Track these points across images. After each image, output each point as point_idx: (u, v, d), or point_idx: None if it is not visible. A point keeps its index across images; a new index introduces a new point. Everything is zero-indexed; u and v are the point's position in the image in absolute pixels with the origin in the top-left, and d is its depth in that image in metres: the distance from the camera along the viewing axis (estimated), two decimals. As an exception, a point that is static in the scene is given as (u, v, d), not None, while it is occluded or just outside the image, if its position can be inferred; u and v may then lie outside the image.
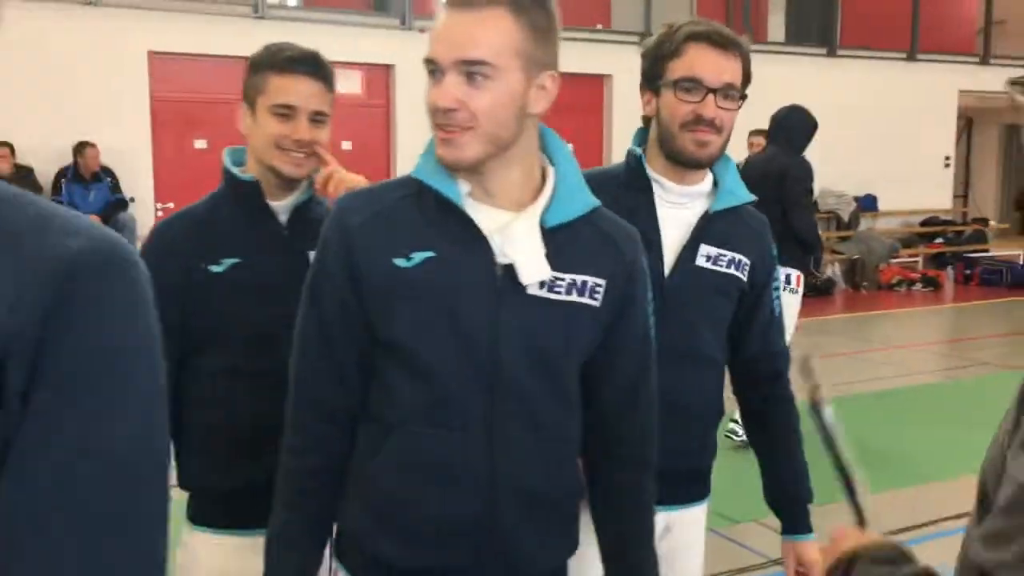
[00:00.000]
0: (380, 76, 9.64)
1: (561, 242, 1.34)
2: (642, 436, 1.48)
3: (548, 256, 1.31)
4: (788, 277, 5.10)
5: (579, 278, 1.35)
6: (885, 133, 12.21)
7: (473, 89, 1.25)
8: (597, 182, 1.69)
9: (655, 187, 1.76)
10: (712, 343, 1.80)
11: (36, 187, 8.27)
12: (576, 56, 10.50)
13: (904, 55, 12.73)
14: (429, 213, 1.32)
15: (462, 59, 1.24)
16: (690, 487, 1.86)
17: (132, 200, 8.44)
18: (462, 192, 1.31)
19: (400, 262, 1.30)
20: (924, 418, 5.71)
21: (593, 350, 1.40)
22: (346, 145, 9.34)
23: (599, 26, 11.23)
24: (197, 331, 1.67)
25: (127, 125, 8.40)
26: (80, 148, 8.17)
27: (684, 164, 1.74)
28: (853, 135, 11.38)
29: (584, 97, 10.77)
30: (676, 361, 1.71)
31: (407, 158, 9.48)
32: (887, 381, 6.79)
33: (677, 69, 1.71)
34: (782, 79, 10.28)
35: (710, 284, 1.77)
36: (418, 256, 1.30)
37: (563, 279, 1.33)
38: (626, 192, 1.75)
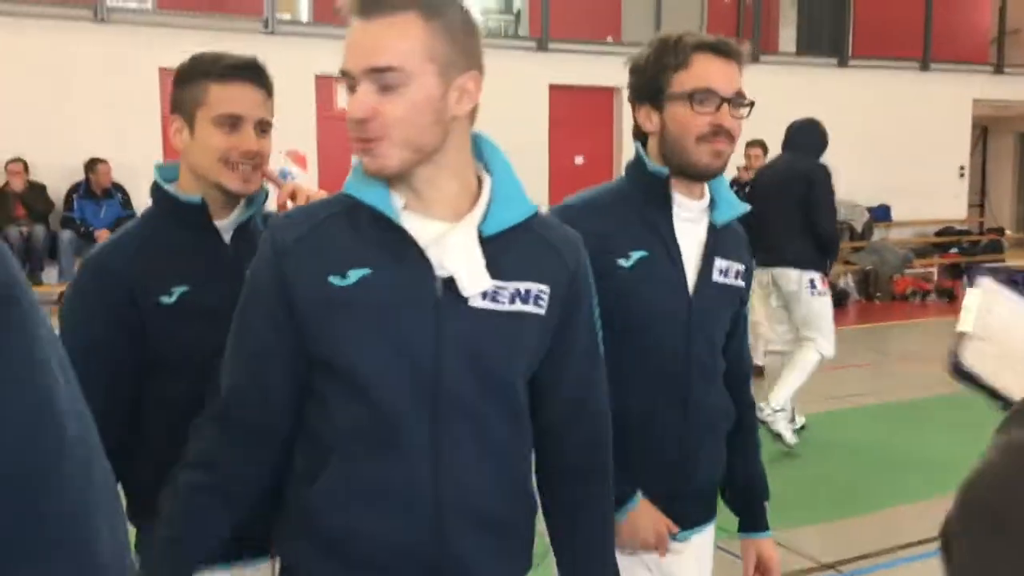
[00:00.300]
0: (390, 90, 9.65)
1: (501, 250, 1.30)
2: (594, 445, 1.44)
3: (488, 265, 1.27)
4: (812, 281, 5.09)
5: (522, 286, 1.31)
6: (898, 143, 12.14)
7: (386, 97, 1.22)
8: (613, 201, 1.75)
9: (672, 203, 1.75)
10: (722, 355, 1.84)
11: (48, 203, 8.32)
12: (586, 69, 10.56)
13: (917, 64, 12.67)
14: (364, 229, 1.28)
15: (371, 67, 1.21)
16: (713, 502, 1.90)
17: (143, 216, 8.47)
18: (397, 205, 1.28)
19: (336, 280, 1.26)
20: (942, 429, 5.64)
21: (540, 360, 1.36)
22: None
23: (609, 39, 11.23)
24: (150, 361, 1.60)
25: (138, 141, 8.43)
26: (92, 164, 8.22)
27: (698, 177, 1.72)
28: (866, 145, 11.32)
29: (594, 110, 10.77)
30: (707, 378, 1.76)
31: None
32: (902, 392, 6.71)
33: (687, 81, 1.67)
34: (793, 89, 10.25)
35: (724, 297, 1.78)
36: (354, 274, 1.25)
37: (506, 288, 1.29)
38: (647, 209, 1.73)
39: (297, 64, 8.19)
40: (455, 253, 1.26)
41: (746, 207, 1.81)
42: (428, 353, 1.26)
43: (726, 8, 12.25)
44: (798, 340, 5.20)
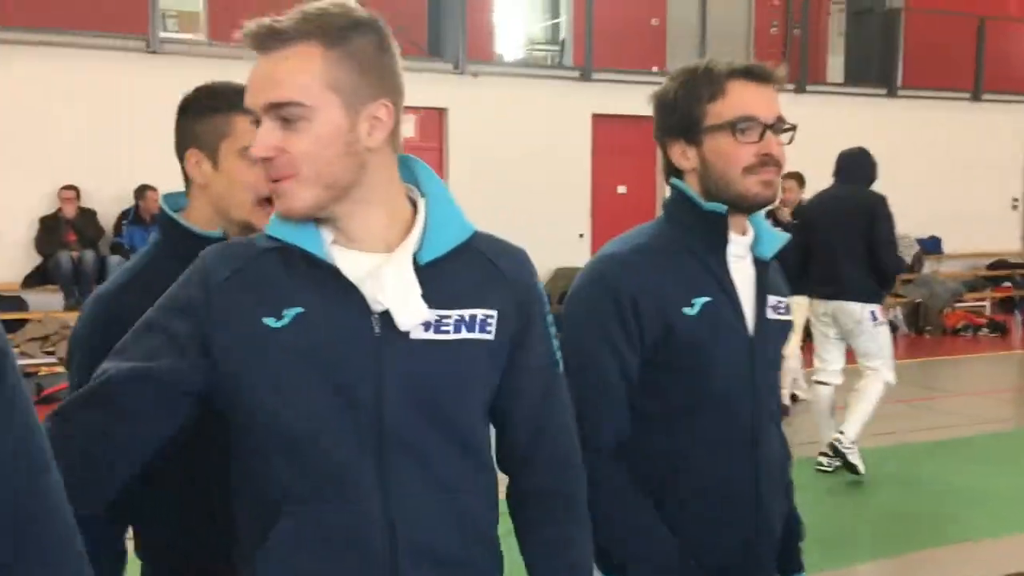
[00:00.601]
0: (434, 119, 9.74)
1: (441, 277, 1.23)
2: (561, 466, 1.36)
3: (427, 295, 1.21)
4: (873, 313, 5.09)
5: (467, 312, 1.24)
6: (949, 174, 11.93)
7: (290, 133, 1.17)
8: (662, 246, 1.63)
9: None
10: None
11: (99, 229, 8.49)
12: (629, 98, 10.52)
13: (968, 95, 12.47)
14: (295, 267, 1.21)
15: (270, 103, 1.17)
16: (792, 552, 1.83)
17: (190, 242, 8.60)
18: (325, 240, 1.22)
19: (270, 322, 1.18)
20: (994, 467, 5.46)
21: (496, 387, 1.29)
22: None
23: (654, 68, 11.22)
24: None
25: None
26: (141, 191, 8.37)
27: (748, 209, 1.64)
28: (916, 176, 11.13)
29: (637, 139, 10.74)
30: (773, 419, 1.68)
31: (459, 200, 9.49)
32: (952, 429, 6.53)
33: (725, 110, 1.57)
34: (841, 120, 10.14)
35: (778, 335, 1.71)
36: (288, 313, 1.18)
37: (449, 316, 1.23)
38: (701, 251, 1.63)
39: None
40: (388, 286, 1.19)
41: (785, 237, 1.73)
42: (370, 394, 1.19)
43: (772, 37, 12.19)
44: (860, 371, 5.19)
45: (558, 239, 10.09)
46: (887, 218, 5.04)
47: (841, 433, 5.06)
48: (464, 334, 1.24)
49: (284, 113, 1.17)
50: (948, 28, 12.45)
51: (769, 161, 1.58)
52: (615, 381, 1.60)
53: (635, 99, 10.67)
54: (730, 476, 1.62)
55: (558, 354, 1.37)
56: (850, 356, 5.29)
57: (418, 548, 1.22)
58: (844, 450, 5.03)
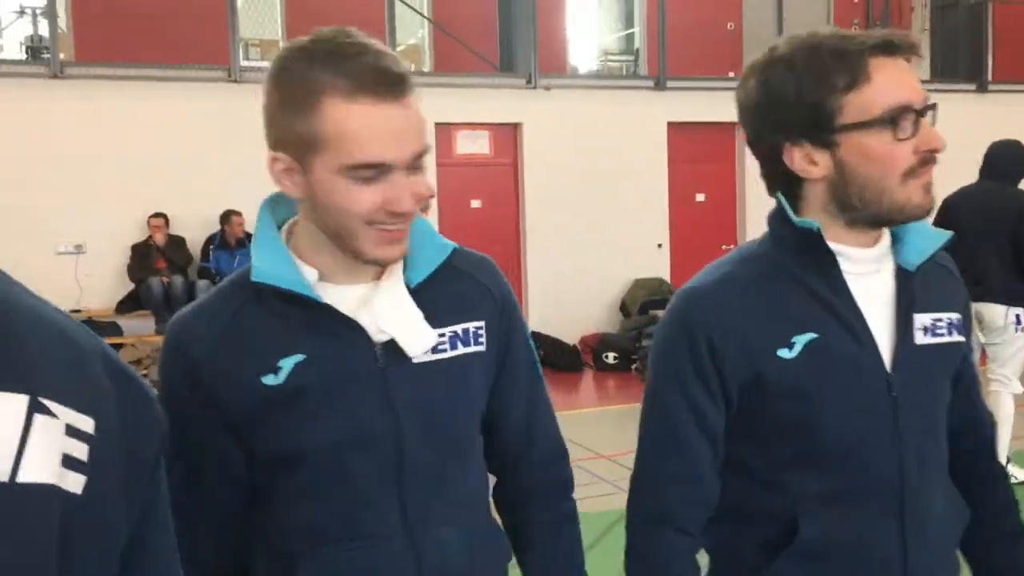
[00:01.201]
0: (508, 134, 9.75)
1: (431, 296, 1.22)
2: (550, 464, 1.38)
3: (423, 315, 1.21)
4: (1019, 317, 4.85)
5: (459, 327, 1.24)
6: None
7: (420, 178, 1.15)
8: (753, 275, 1.30)
9: (839, 260, 1.29)
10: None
11: (188, 256, 8.74)
12: (705, 105, 10.39)
13: (1064, 86, 11.93)
14: (280, 314, 1.17)
15: (418, 152, 1.13)
16: None
17: (274, 264, 8.79)
18: (311, 279, 1.18)
19: (269, 379, 1.15)
20: None
21: (488, 398, 1.31)
22: (476, 203, 9.46)
23: (731, 74, 11.04)
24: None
25: (266, 193, 8.76)
26: (226, 217, 8.59)
27: (900, 223, 1.29)
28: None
29: (715, 146, 10.57)
30: (929, 478, 1.31)
31: (535, 213, 9.51)
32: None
33: (874, 100, 1.20)
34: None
35: (938, 362, 1.33)
36: (287, 363, 1.16)
37: (444, 334, 1.23)
38: (806, 275, 1.29)
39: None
40: (388, 314, 1.18)
41: (947, 234, 1.34)
42: (386, 427, 1.18)
43: (852, 37, 11.87)
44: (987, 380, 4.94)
45: (636, 249, 9.97)
46: None
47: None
48: (460, 349, 1.24)
49: (419, 161, 1.15)
50: (1040, 18, 11.94)
51: (930, 159, 1.24)
52: (691, 439, 1.30)
53: (712, 106, 10.47)
54: (862, 544, 1.28)
55: (535, 353, 1.39)
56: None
57: (444, 570, 1.23)
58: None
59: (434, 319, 1.22)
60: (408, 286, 1.22)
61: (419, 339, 1.19)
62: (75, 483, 0.66)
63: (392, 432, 1.19)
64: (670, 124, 10.26)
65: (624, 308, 9.82)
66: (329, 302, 1.17)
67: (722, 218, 10.79)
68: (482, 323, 1.27)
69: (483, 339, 1.27)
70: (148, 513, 0.76)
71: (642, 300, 9.65)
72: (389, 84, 1.09)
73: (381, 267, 1.21)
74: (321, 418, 1.17)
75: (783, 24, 10.74)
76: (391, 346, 1.19)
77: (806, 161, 1.26)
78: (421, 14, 10.59)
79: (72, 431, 0.67)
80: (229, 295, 1.21)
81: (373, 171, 1.10)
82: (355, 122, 1.09)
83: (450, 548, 1.24)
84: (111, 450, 0.70)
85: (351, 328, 1.17)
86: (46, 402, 0.66)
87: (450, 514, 1.24)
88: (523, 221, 9.70)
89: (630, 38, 12.51)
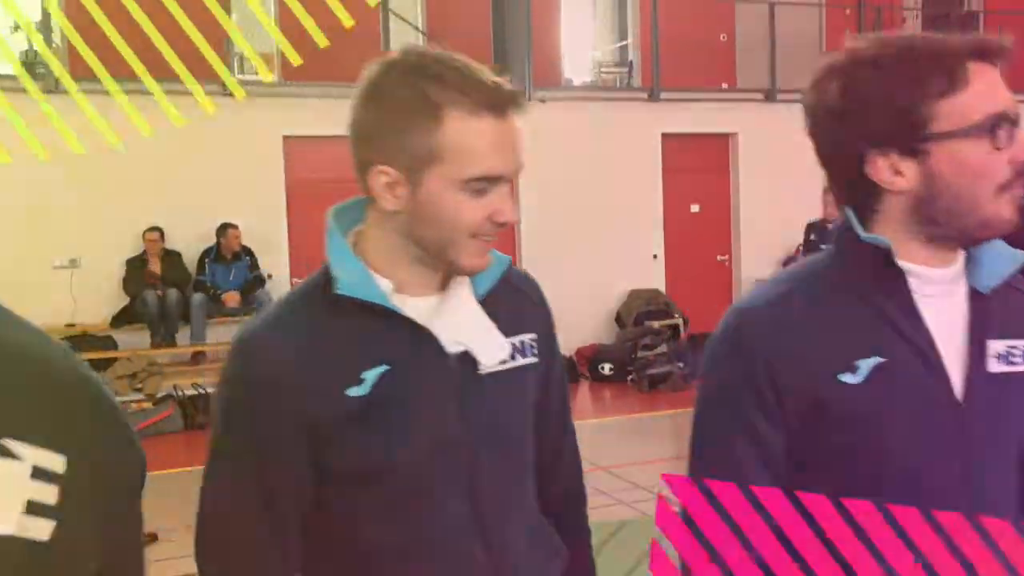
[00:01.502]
0: (504, 147, 9.76)
1: (492, 308, 1.25)
2: (578, 467, 1.46)
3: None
4: None
5: (518, 339, 1.28)
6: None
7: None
8: (815, 294, 1.22)
9: (909, 280, 1.21)
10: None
11: (184, 272, 8.72)
12: (699, 116, 10.43)
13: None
14: (359, 326, 1.17)
15: (521, 166, 1.19)
16: None
17: (270, 277, 8.78)
18: (386, 290, 1.19)
19: (354, 391, 1.15)
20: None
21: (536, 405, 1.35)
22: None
23: (724, 85, 11.08)
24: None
25: (264, 206, 8.78)
26: (223, 229, 8.59)
27: (988, 237, 1.21)
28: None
29: (709, 157, 10.61)
30: (1008, 515, 1.21)
31: (531, 223, 9.53)
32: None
33: (972, 107, 1.13)
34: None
35: (1010, 394, 1.22)
36: (370, 375, 1.16)
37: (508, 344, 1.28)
38: (873, 295, 1.21)
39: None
40: (465, 325, 1.21)
41: (1022, 256, 1.25)
42: (461, 437, 1.20)
43: (844, 48, 11.93)
44: None
45: (632, 260, 10.00)
46: None
47: None
48: (519, 360, 1.28)
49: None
50: (1031, 28, 12.02)
51: (1023, 171, 1.16)
52: (752, 475, 1.18)
53: (705, 117, 10.51)
54: None
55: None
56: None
57: None
58: None
59: (499, 329, 1.26)
60: (476, 298, 1.25)
61: (494, 349, 1.23)
62: (40, 530, 0.64)
63: (466, 443, 1.21)
64: (664, 135, 10.29)
65: (619, 319, 9.83)
66: (407, 314, 1.19)
67: (717, 229, 10.82)
68: (535, 335, 1.31)
69: (535, 351, 1.31)
70: (120, 543, 0.76)
71: (637, 311, 9.66)
72: (506, 102, 1.14)
73: (458, 277, 1.24)
74: (406, 429, 1.18)
75: (776, 35, 10.80)
76: (464, 356, 1.21)
77: (891, 171, 1.17)
78: (415, 27, 10.63)
79: (39, 473, 0.65)
80: (299, 307, 1.21)
81: (486, 183, 1.15)
82: (476, 137, 1.13)
83: (518, 549, 1.27)
84: (85, 487, 0.68)
85: (428, 339, 1.19)
86: (8, 443, 0.63)
87: (515, 518, 1.28)
88: (518, 232, 9.71)
89: (624, 50, 12.56)
